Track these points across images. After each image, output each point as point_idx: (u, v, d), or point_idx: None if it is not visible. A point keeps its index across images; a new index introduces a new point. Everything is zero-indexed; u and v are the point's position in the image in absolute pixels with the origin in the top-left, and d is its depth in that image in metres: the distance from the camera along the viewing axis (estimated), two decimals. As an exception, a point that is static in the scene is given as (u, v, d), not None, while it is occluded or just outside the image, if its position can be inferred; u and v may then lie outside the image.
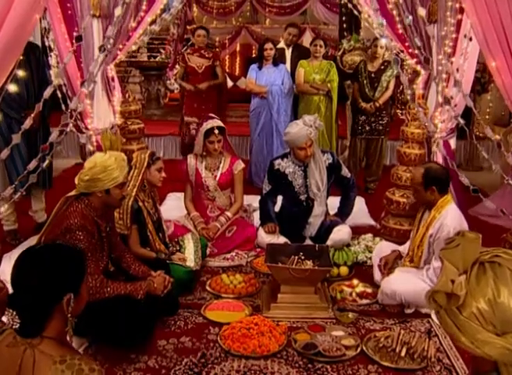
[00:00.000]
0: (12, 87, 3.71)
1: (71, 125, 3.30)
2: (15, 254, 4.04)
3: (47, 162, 3.19)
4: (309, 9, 13.41)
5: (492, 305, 1.28)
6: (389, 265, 3.81)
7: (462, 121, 3.36)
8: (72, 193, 3.18)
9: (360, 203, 5.44)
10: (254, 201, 5.24)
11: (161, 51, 12.54)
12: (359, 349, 3.12)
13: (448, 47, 4.01)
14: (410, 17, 4.07)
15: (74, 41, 3.13)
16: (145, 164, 3.79)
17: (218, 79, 6.57)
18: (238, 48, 14.26)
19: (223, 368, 2.97)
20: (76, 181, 3.17)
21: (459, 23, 3.91)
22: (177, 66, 11.88)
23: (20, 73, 3.98)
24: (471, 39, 3.63)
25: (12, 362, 1.60)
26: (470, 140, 7.28)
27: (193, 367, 2.98)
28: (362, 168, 6.39)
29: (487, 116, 7.74)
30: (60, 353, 1.59)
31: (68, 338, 1.73)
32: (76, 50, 4.12)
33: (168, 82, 11.06)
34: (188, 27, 12.79)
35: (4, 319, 1.69)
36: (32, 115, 3.23)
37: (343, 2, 10.53)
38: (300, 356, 3.08)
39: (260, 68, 6.14)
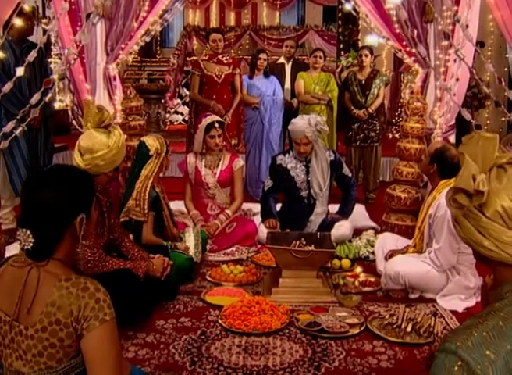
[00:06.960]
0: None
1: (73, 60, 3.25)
2: (11, 248, 4.05)
3: (49, 95, 3.18)
4: (307, 42, 13.75)
5: None
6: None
7: (462, 55, 3.36)
8: None
9: (360, 208, 5.41)
10: (252, 207, 5.22)
11: (161, 82, 12.75)
12: (363, 327, 3.04)
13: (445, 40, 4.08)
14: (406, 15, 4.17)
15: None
16: (165, 151, 3.77)
17: (236, 94, 5.75)
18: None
19: (224, 343, 2.88)
20: (76, 165, 3.10)
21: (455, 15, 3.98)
22: (180, 92, 12.11)
23: (22, 72, 4.03)
24: (467, 26, 3.69)
25: (16, 281, 1.56)
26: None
27: (193, 343, 2.88)
28: (360, 183, 6.37)
29: (485, 133, 7.78)
30: (65, 272, 1.56)
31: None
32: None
33: (168, 114, 11.15)
34: (188, 59, 13.06)
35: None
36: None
37: (340, 30, 10.86)
38: (303, 333, 2.99)
39: (250, 78, 6.12)
